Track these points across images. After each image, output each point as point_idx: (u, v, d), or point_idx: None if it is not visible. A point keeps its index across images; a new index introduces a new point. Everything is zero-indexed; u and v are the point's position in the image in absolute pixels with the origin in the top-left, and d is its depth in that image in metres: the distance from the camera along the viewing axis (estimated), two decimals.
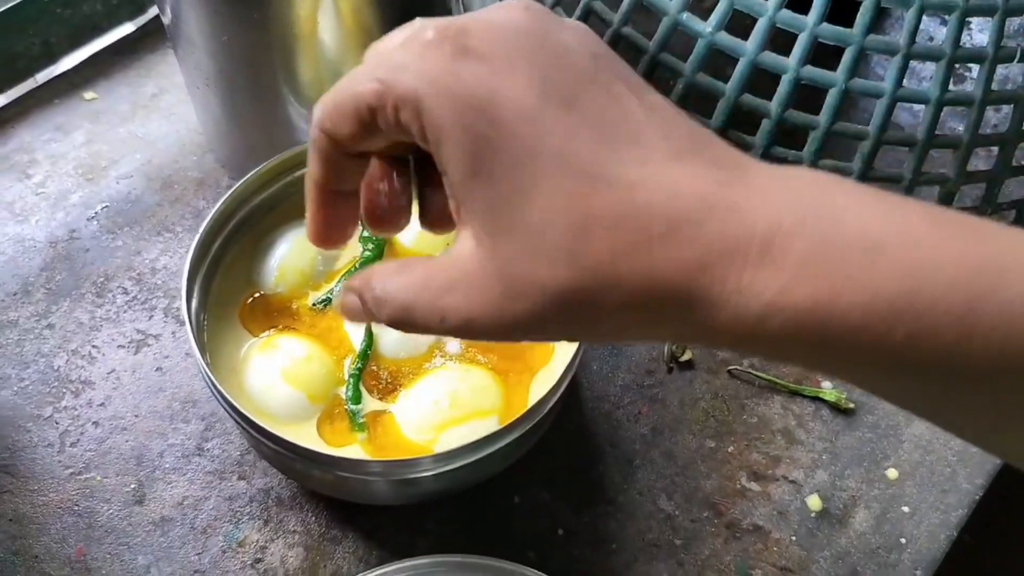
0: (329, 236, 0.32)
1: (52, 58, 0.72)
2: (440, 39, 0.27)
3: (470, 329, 0.28)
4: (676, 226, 0.25)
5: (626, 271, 0.25)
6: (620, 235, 0.25)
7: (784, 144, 0.59)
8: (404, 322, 0.29)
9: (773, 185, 0.26)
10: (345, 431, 0.50)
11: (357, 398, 0.50)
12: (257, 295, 0.54)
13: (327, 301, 0.53)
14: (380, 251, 0.55)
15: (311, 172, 0.31)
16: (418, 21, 0.28)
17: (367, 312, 0.30)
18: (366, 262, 0.54)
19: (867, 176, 0.59)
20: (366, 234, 0.54)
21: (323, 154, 0.30)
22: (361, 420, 0.50)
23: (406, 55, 0.27)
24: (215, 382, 0.47)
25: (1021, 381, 0.24)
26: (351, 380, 0.51)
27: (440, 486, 0.49)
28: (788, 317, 0.25)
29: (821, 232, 0.25)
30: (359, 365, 0.51)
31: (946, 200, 0.60)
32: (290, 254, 0.54)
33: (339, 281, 0.54)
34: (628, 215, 0.25)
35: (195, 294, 0.51)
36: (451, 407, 0.49)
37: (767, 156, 0.59)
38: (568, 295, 0.26)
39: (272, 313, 0.53)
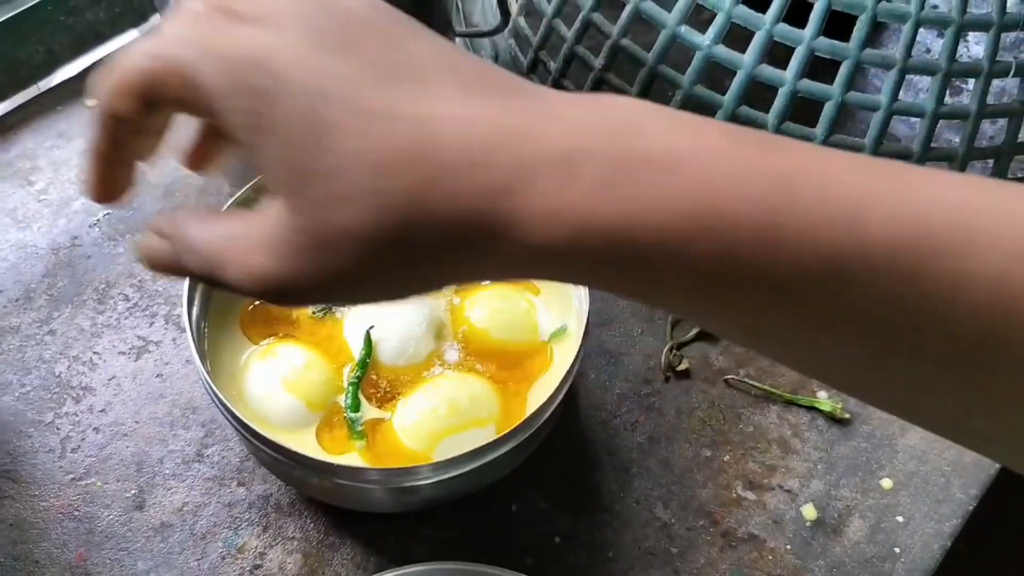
0: (110, 195, 0.32)
1: (55, 65, 0.73)
2: (209, 9, 0.27)
3: (284, 291, 0.26)
4: (470, 155, 0.24)
5: (431, 206, 0.24)
6: (419, 170, 0.24)
7: None
8: (212, 277, 0.28)
9: (571, 110, 0.26)
10: (344, 439, 0.50)
11: (356, 406, 0.51)
12: (257, 302, 0.54)
13: (327, 309, 0.54)
14: None
15: (95, 143, 0.30)
16: None
17: (173, 260, 0.29)
18: None
19: None
20: None
21: (108, 131, 0.29)
22: (360, 428, 0.50)
23: (176, 27, 0.27)
24: (215, 389, 0.47)
25: (828, 291, 0.24)
26: (350, 388, 0.51)
27: (438, 494, 0.49)
28: (593, 239, 0.24)
29: (621, 152, 0.24)
30: (358, 373, 0.51)
31: None
32: None
33: None
34: (424, 149, 0.24)
35: (196, 301, 0.51)
36: (449, 415, 0.50)
37: None
38: (379, 238, 0.25)
39: (272, 320, 0.54)
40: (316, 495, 0.53)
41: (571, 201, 0.24)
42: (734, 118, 0.59)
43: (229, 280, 0.27)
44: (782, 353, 0.28)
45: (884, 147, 0.58)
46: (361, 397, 0.51)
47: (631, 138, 0.25)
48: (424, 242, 0.25)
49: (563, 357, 0.52)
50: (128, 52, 0.27)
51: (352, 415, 0.50)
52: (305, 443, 0.49)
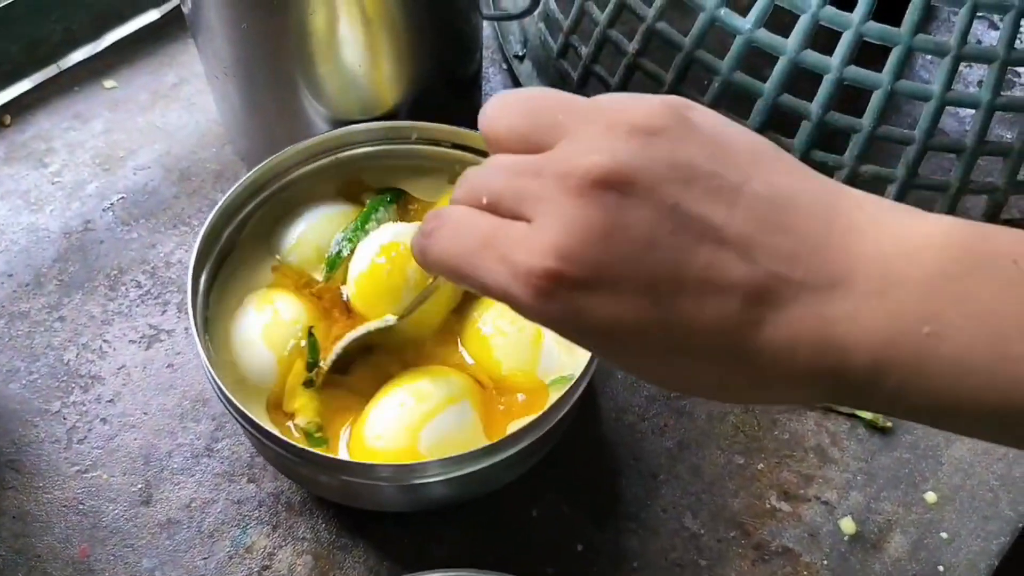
0: None
1: (74, 45, 0.71)
2: (547, 281, 0.29)
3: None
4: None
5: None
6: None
7: (824, 148, 0.56)
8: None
9: (872, 307, 0.28)
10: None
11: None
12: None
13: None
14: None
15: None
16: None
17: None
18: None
19: (911, 183, 0.56)
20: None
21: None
22: (318, 435, 0.48)
23: (518, 286, 0.29)
24: (218, 381, 0.45)
25: None
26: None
27: (451, 492, 0.47)
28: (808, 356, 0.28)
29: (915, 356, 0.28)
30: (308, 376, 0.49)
31: (994, 210, 0.57)
32: (311, 229, 0.53)
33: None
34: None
35: (200, 290, 0.49)
36: (418, 402, 0.47)
37: (806, 159, 0.56)
38: None
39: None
40: (324, 494, 0.51)
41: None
42: (775, 106, 0.55)
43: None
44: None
45: (934, 140, 0.55)
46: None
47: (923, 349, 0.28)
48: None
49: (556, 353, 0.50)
50: (467, 263, 0.31)
51: (309, 428, 0.48)
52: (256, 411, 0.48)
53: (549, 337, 0.50)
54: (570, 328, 0.30)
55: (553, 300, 0.29)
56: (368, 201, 0.54)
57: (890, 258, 0.28)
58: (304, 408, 0.48)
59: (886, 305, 0.28)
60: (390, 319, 0.49)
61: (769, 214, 0.29)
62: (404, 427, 0.46)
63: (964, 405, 0.28)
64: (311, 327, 0.50)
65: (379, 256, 0.50)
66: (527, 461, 0.48)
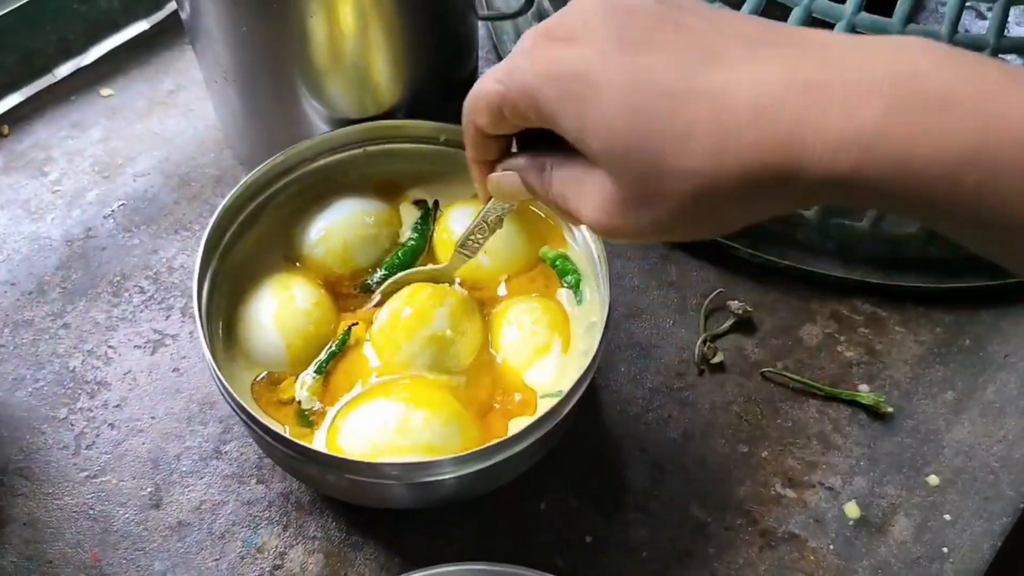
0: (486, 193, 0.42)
1: (69, 54, 0.71)
2: (536, 39, 0.34)
3: (613, 235, 0.34)
4: (760, 111, 0.29)
5: (730, 164, 0.29)
6: (717, 135, 0.29)
7: None
8: (563, 207, 0.36)
9: (851, 54, 0.29)
10: (278, 406, 0.49)
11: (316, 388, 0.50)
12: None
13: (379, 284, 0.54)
14: (424, 238, 0.55)
15: (468, 153, 0.40)
16: (527, 33, 0.35)
17: (520, 189, 0.39)
18: (408, 252, 0.55)
19: None
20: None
21: (472, 139, 0.39)
22: (308, 414, 0.49)
23: (516, 59, 0.34)
24: (226, 384, 0.45)
25: None
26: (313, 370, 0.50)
27: (460, 489, 0.47)
28: (873, 172, 0.28)
29: (900, 91, 0.27)
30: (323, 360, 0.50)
31: None
32: (338, 223, 0.54)
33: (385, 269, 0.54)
34: (721, 117, 0.29)
35: (205, 293, 0.50)
36: (398, 433, 0.47)
37: None
38: (688, 201, 0.31)
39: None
40: (332, 493, 0.51)
41: (851, 139, 0.28)
42: None
43: (575, 215, 0.35)
44: None
45: None
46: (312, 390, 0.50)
47: (911, 80, 0.27)
48: (725, 194, 0.30)
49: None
50: (484, 80, 0.36)
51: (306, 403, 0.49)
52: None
53: (553, 355, 0.51)
54: (546, 74, 0.33)
55: (536, 53, 0.33)
56: (404, 218, 0.56)
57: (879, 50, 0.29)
58: (312, 391, 0.49)
59: (872, 66, 0.28)
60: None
61: (742, 18, 0.32)
62: (370, 441, 0.47)
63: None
64: (352, 325, 0.51)
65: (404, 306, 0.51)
66: (533, 456, 0.48)
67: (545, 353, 0.51)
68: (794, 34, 0.31)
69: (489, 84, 0.35)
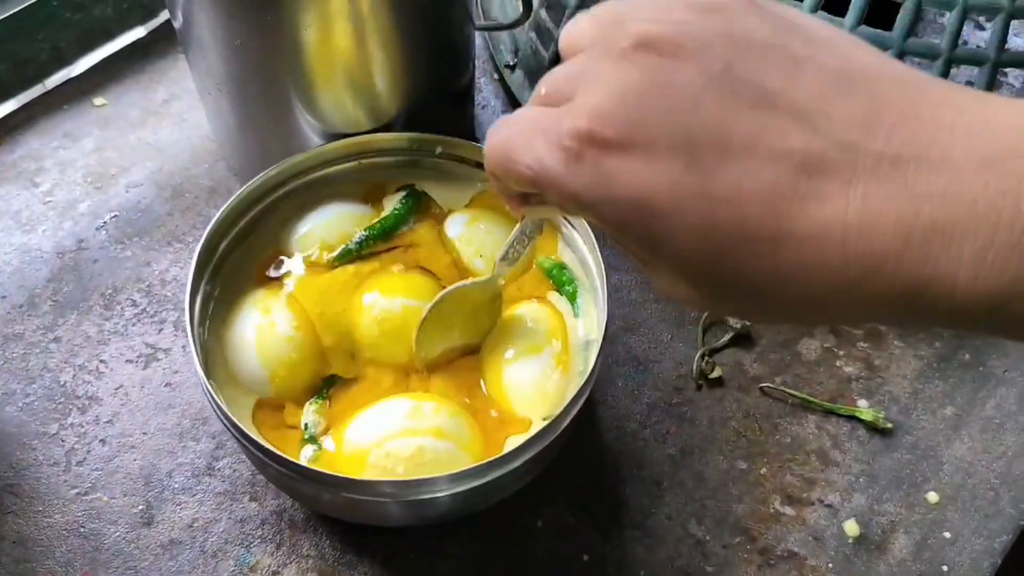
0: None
1: (62, 63, 0.70)
2: (578, 142, 0.27)
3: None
4: (873, 271, 0.25)
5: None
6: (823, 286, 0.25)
7: None
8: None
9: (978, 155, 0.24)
10: (283, 428, 0.49)
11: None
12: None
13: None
14: (408, 210, 0.55)
15: (495, 188, 0.33)
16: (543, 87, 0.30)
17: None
18: (390, 219, 0.55)
19: None
20: None
21: (498, 187, 0.33)
22: (313, 434, 0.48)
23: (551, 154, 0.28)
24: (218, 401, 0.45)
25: None
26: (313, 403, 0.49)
27: (453, 506, 0.47)
28: (990, 297, 0.24)
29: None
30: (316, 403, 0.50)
31: None
32: (321, 224, 0.54)
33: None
34: (825, 267, 0.25)
35: (198, 306, 0.49)
36: (409, 417, 0.47)
37: None
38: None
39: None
40: (327, 511, 0.50)
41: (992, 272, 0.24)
42: None
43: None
44: None
45: None
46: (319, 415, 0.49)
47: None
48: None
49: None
50: (512, 145, 0.29)
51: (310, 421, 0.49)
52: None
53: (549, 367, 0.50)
54: (601, 198, 0.27)
55: (583, 163, 0.27)
56: (388, 204, 0.55)
57: (1000, 132, 0.24)
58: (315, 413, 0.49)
59: (1000, 181, 0.23)
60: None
61: (840, 83, 0.25)
62: (382, 427, 0.47)
63: None
64: (332, 379, 0.50)
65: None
66: (529, 473, 0.48)
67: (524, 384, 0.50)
68: (908, 110, 0.25)
69: (520, 162, 0.29)
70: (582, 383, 0.46)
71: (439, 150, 0.55)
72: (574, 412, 0.46)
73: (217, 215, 0.51)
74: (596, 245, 0.50)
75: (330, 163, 0.54)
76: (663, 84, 0.26)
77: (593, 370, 0.46)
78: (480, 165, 0.54)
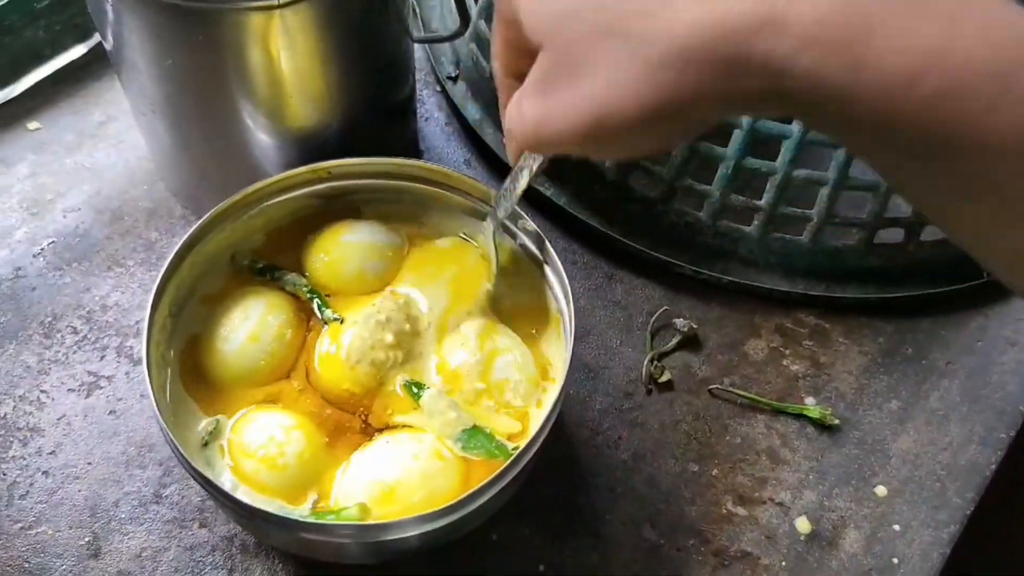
0: None
1: None
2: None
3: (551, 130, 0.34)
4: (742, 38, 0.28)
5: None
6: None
7: (756, 154, 0.57)
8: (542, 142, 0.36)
9: None
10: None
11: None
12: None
13: None
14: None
15: (496, 75, 0.40)
16: None
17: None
18: None
19: (843, 184, 0.57)
20: None
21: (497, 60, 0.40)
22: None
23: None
24: (166, 427, 0.44)
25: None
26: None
27: (415, 545, 0.45)
28: (822, 71, 0.26)
29: None
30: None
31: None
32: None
33: None
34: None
35: (154, 332, 0.47)
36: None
37: (738, 167, 0.57)
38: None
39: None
40: (280, 546, 0.49)
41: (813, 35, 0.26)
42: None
43: (552, 136, 0.34)
44: (967, 220, 0.29)
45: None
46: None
47: None
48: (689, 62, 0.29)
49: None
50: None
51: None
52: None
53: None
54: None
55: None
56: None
57: None
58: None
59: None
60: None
61: None
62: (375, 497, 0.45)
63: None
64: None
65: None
66: (497, 502, 0.46)
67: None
68: None
69: (502, 10, 0.37)
70: (548, 412, 0.45)
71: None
72: (543, 437, 0.45)
73: (169, 256, 0.48)
74: (567, 283, 0.49)
75: (284, 191, 0.53)
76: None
77: (558, 399, 0.45)
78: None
